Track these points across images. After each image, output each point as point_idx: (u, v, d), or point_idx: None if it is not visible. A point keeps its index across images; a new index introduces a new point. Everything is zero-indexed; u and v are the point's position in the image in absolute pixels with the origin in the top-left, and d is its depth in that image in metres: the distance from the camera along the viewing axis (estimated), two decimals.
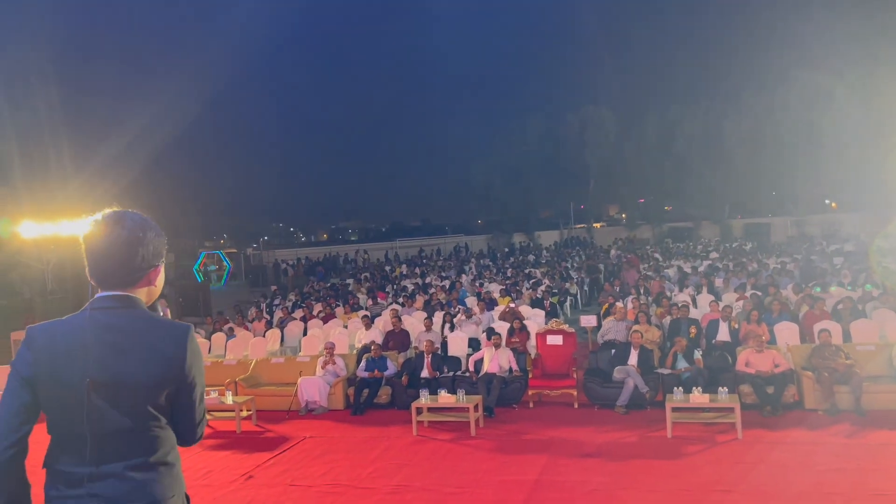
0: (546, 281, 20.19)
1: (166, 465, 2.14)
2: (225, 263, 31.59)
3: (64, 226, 13.82)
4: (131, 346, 2.08)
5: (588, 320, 13.00)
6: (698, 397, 8.11)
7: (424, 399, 9.00)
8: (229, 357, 12.47)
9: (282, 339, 13.92)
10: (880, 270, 16.51)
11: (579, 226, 46.68)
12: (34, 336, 2.10)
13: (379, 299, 18.34)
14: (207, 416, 2.26)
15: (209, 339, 13.76)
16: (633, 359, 9.64)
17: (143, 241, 2.14)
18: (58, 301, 16.04)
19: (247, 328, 14.54)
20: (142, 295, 2.20)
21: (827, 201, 43.66)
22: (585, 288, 21.52)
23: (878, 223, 28.12)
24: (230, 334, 13.82)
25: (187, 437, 2.23)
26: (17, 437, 2.04)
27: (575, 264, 26.13)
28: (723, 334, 10.71)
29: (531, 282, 19.94)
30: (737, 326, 10.77)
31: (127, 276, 2.14)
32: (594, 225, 47.72)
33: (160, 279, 2.27)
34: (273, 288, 23.48)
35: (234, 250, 38.93)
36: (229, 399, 9.56)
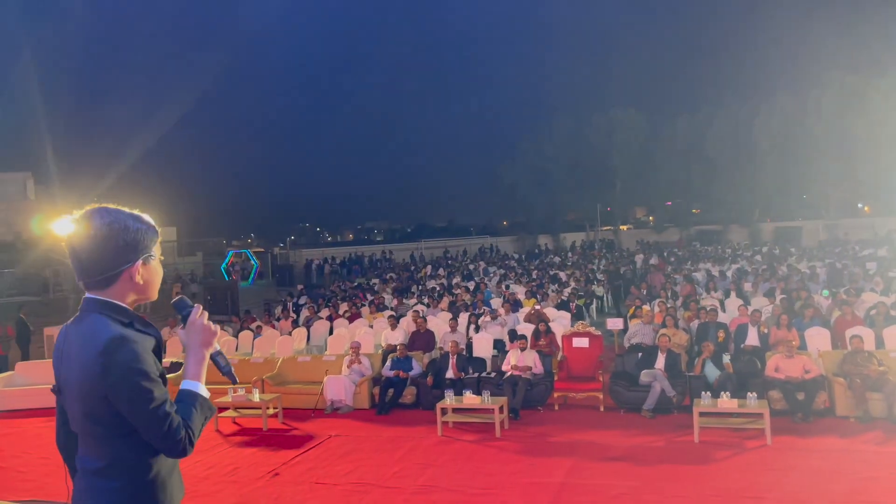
0: (572, 283, 20.08)
1: (111, 478, 2.05)
2: (252, 262, 31.88)
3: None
4: (70, 354, 2.07)
5: (614, 323, 12.90)
6: (726, 402, 8.01)
7: (449, 400, 9.00)
8: (256, 355, 12.59)
9: (308, 338, 14.01)
10: None
11: (605, 228, 46.40)
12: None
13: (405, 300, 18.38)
14: (190, 427, 2.07)
15: (237, 338, 13.90)
16: (660, 362, 9.55)
17: (110, 237, 2.05)
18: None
19: (273, 327, 14.66)
20: (125, 294, 2.11)
21: (860, 205, 42.94)
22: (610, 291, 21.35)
23: None
24: (257, 332, 13.94)
25: (160, 448, 2.06)
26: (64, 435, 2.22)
27: (601, 266, 25.95)
28: (752, 339, 10.56)
29: (557, 284, 19.85)
30: (766, 331, 10.62)
31: (99, 275, 2.07)
32: (621, 227, 47.44)
33: (146, 276, 2.14)
34: (299, 287, 23.64)
35: (262, 249, 39.30)
36: (256, 396, 9.65)
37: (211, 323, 2.23)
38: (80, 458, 2.12)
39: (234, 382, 2.38)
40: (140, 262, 2.11)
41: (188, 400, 2.11)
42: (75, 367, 2.03)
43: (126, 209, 2.15)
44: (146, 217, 2.17)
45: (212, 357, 2.24)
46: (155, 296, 2.22)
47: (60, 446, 2.39)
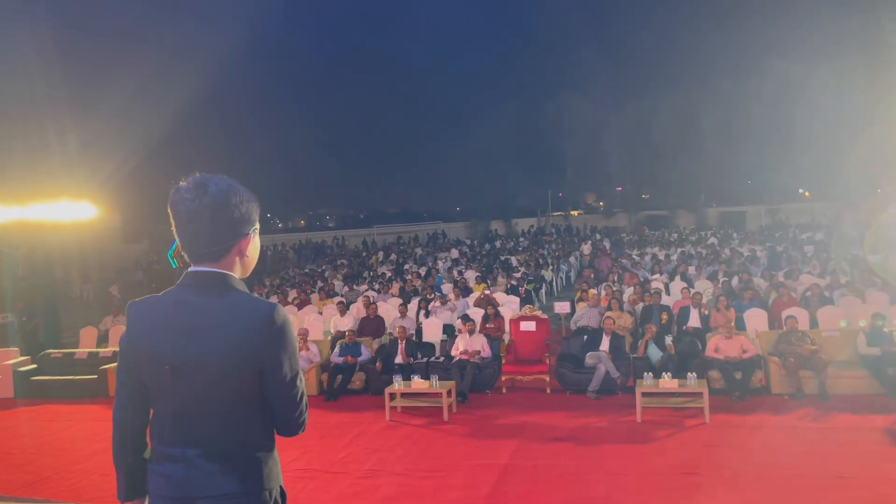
0: (521, 268, 20.29)
1: (245, 457, 1.99)
2: None
3: (33, 210, 13.56)
4: (209, 327, 1.94)
5: (562, 307, 13.10)
6: (667, 382, 8.23)
7: (398, 384, 9.04)
8: None
9: None
10: (848, 259, 16.80)
11: (557, 213, 46.88)
12: (129, 313, 2.05)
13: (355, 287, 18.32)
14: (307, 403, 2.12)
15: None
16: (605, 345, 9.75)
17: (228, 207, 1.97)
18: (28, 287, 15.82)
19: None
20: (234, 267, 2.04)
21: (801, 190, 44.24)
22: (562, 275, 21.68)
23: (851, 212, 28.62)
24: None
25: (283, 426, 2.07)
26: (125, 412, 2.08)
27: (551, 251, 26.26)
28: (693, 320, 10.86)
29: (507, 269, 20.04)
30: (706, 313, 10.93)
31: (215, 247, 1.99)
32: (572, 212, 47.97)
33: (252, 248, 2.09)
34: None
35: None
36: None
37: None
38: (202, 441, 1.97)
39: None
40: (252, 234, 2.06)
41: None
42: (221, 339, 1.92)
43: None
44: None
45: None
46: (249, 273, 2.14)
47: (139, 427, 2.17)
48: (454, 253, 26.26)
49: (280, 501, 2.10)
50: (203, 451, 1.97)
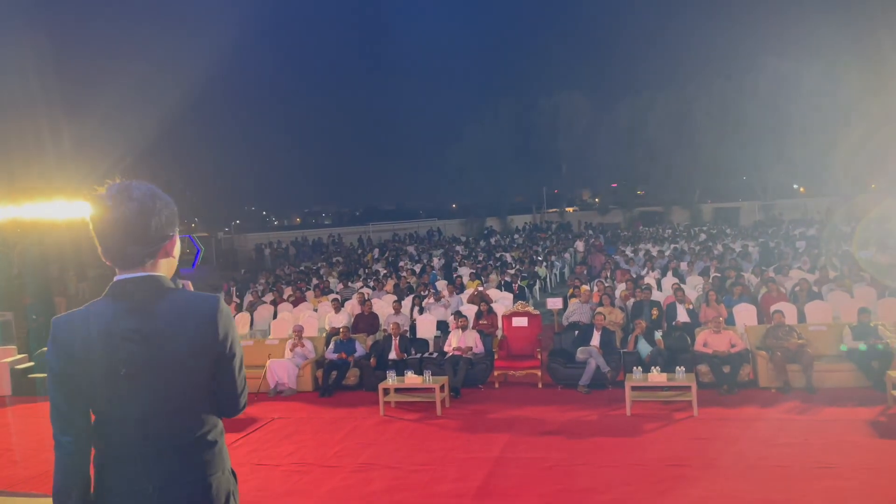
0: (515, 265, 20.41)
1: (209, 442, 2.08)
2: (195, 247, 31.35)
3: (27, 209, 13.64)
4: (161, 328, 1.97)
5: (554, 303, 13.23)
6: (656, 376, 8.36)
7: (391, 380, 9.15)
8: None
9: (251, 323, 13.97)
10: (839, 254, 16.95)
11: (552, 210, 47.03)
12: (56, 330, 2.02)
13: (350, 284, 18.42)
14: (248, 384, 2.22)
15: None
16: (596, 340, 9.87)
17: (154, 211, 2.00)
18: (22, 285, 15.90)
19: None
20: (162, 269, 2.08)
21: (795, 186, 44.42)
22: (556, 271, 21.81)
23: (845, 208, 28.81)
24: None
25: (229, 408, 2.14)
26: (74, 432, 2.02)
27: (546, 248, 26.40)
28: (681, 315, 10.98)
29: (500, 265, 20.16)
30: (691, 307, 11.06)
31: (144, 251, 2.01)
32: (567, 209, 48.12)
33: (177, 249, 2.14)
34: (242, 271, 23.40)
35: (206, 234, 38.64)
36: None
37: None
38: (170, 435, 2.02)
39: None
40: (175, 235, 2.11)
41: None
42: (178, 337, 1.98)
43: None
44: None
45: None
46: (174, 273, 2.17)
47: (86, 469, 2.14)
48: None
49: (233, 477, 2.21)
50: (166, 447, 2.02)
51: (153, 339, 1.97)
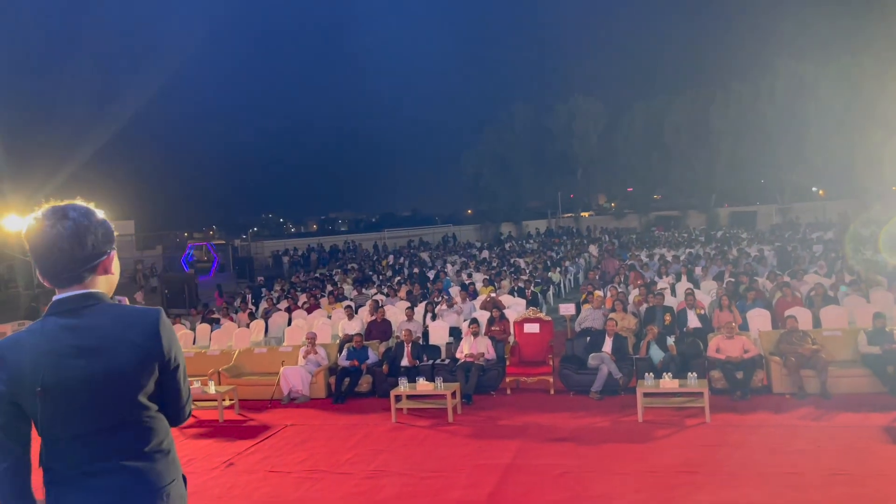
0: (528, 271, 20.39)
1: (161, 452, 2.12)
2: (213, 255, 31.64)
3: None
4: (102, 344, 2.00)
5: (567, 308, 13.20)
6: (668, 382, 8.33)
7: (403, 387, 9.18)
8: (213, 347, 12.62)
9: (266, 330, 14.07)
10: (857, 259, 16.77)
11: (567, 215, 46.92)
12: (4, 352, 2.02)
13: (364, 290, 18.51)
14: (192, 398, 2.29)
15: (194, 331, 13.90)
16: (608, 346, 9.85)
17: (90, 230, 2.05)
18: (44, 294, 16.10)
19: (231, 319, 14.69)
20: (101, 286, 2.11)
21: (814, 189, 43.99)
22: (570, 277, 21.76)
23: (863, 211, 28.47)
24: (215, 325, 13.95)
25: (175, 417, 2.20)
26: (12, 456, 2.02)
27: (561, 253, 26.34)
28: (692, 321, 10.92)
29: (513, 271, 20.16)
30: (702, 312, 11.00)
31: (81, 268, 2.04)
32: (582, 214, 47.98)
33: (116, 266, 2.17)
34: (259, 279, 23.58)
35: (223, 241, 38.99)
36: (212, 389, 9.72)
37: None
38: (118, 451, 2.04)
39: None
40: (113, 252, 2.15)
41: None
42: (124, 351, 2.01)
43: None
44: None
45: None
46: (114, 289, 2.23)
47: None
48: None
49: (184, 481, 2.26)
50: (125, 458, 2.05)
51: (96, 355, 2.00)
